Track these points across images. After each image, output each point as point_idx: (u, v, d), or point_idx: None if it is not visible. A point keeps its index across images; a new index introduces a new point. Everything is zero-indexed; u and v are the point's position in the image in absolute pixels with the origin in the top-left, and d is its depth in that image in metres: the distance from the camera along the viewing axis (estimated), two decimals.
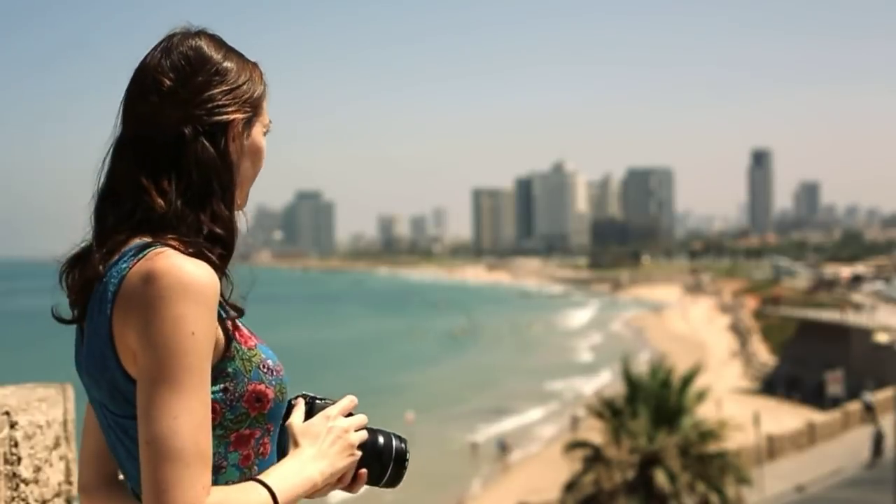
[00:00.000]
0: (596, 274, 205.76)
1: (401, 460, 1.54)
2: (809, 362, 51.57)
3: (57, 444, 2.41)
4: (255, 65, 1.51)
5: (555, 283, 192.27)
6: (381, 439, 1.53)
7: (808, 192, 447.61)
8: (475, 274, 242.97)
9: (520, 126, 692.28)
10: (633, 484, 22.03)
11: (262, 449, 1.41)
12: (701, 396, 24.38)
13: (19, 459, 2.23)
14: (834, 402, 40.88)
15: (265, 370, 1.40)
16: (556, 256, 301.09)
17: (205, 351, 1.29)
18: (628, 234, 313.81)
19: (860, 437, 34.26)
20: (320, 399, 1.54)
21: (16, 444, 2.22)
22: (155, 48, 1.46)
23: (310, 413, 1.50)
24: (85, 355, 1.39)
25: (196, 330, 1.28)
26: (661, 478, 21.52)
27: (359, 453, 1.49)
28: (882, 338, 49.23)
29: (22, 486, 2.23)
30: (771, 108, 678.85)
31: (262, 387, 1.39)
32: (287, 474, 1.39)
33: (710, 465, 22.46)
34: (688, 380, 24.26)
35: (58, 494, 2.41)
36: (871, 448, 31.64)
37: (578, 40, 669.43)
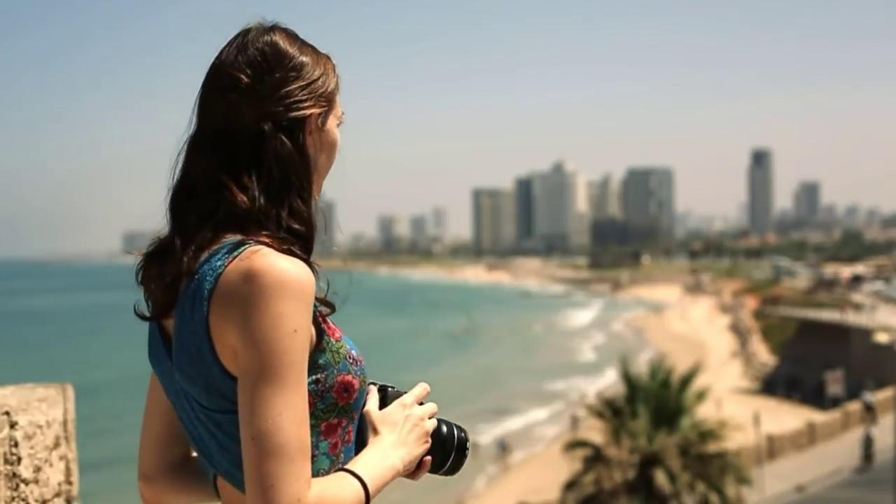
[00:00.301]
0: (596, 274, 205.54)
1: (462, 449, 1.60)
2: (809, 362, 51.56)
3: (57, 444, 2.41)
4: (327, 57, 1.53)
5: (555, 283, 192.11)
6: (444, 428, 1.59)
7: (808, 192, 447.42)
8: (475, 274, 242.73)
9: (520, 126, 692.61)
10: (633, 484, 22.03)
11: (347, 437, 1.46)
12: (701, 396, 24.38)
13: (19, 459, 2.22)
14: (834, 402, 40.87)
15: (351, 361, 1.45)
16: (556, 256, 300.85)
17: (304, 347, 1.32)
18: (628, 234, 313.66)
19: (860, 438, 34.25)
20: (391, 387, 1.58)
21: (16, 444, 2.21)
22: (230, 44, 1.47)
23: (383, 401, 1.54)
24: (176, 350, 1.40)
25: (297, 327, 1.30)
26: (661, 478, 21.52)
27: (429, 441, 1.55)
28: (882, 338, 49.23)
29: (22, 486, 2.23)
30: (771, 108, 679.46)
31: (350, 377, 1.44)
32: (373, 463, 1.44)
33: (710, 465, 22.46)
34: (687, 380, 24.26)
35: (58, 494, 2.40)
36: (861, 453, 31.08)
37: (578, 40, 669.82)
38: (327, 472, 1.42)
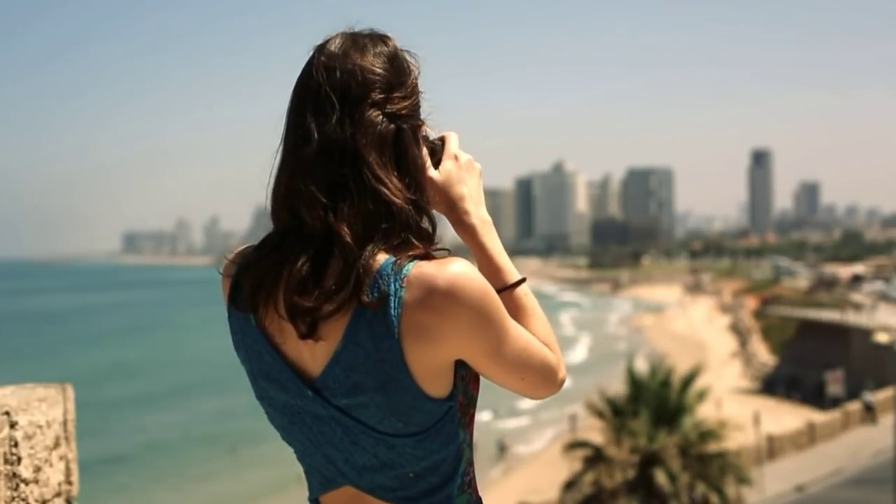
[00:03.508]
0: (596, 274, 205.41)
1: None
2: (809, 362, 51.55)
3: (57, 444, 2.40)
4: None
5: (555, 283, 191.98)
6: None
7: (808, 192, 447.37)
8: None
9: (520, 126, 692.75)
10: (633, 483, 22.05)
11: (474, 425, 1.52)
12: (701, 396, 24.39)
13: (19, 459, 2.22)
14: (834, 402, 40.88)
15: None
16: (556, 256, 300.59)
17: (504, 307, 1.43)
18: (628, 234, 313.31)
19: (860, 437, 34.25)
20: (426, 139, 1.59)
21: (16, 444, 2.21)
22: (355, 47, 1.46)
23: (432, 155, 1.57)
24: (338, 377, 1.38)
25: (497, 297, 1.40)
26: (661, 477, 21.53)
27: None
28: (882, 338, 49.18)
29: (22, 486, 2.23)
30: (771, 108, 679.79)
31: None
32: (499, 249, 1.58)
33: (710, 465, 22.48)
34: (688, 380, 24.27)
35: (58, 494, 2.40)
36: None
37: (578, 40, 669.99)
38: (468, 461, 1.49)
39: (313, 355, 1.39)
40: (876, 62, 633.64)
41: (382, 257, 1.36)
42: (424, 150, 1.52)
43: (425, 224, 1.45)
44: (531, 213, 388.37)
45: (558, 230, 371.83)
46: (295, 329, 1.37)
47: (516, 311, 1.49)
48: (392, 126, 1.43)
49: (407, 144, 1.44)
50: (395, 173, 1.41)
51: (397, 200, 1.39)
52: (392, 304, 1.33)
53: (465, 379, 1.44)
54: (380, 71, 1.43)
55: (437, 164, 1.56)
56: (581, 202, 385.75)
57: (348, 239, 1.35)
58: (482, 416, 44.66)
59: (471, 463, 1.50)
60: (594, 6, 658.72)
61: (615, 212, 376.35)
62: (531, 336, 1.47)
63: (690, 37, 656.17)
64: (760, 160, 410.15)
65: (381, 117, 1.41)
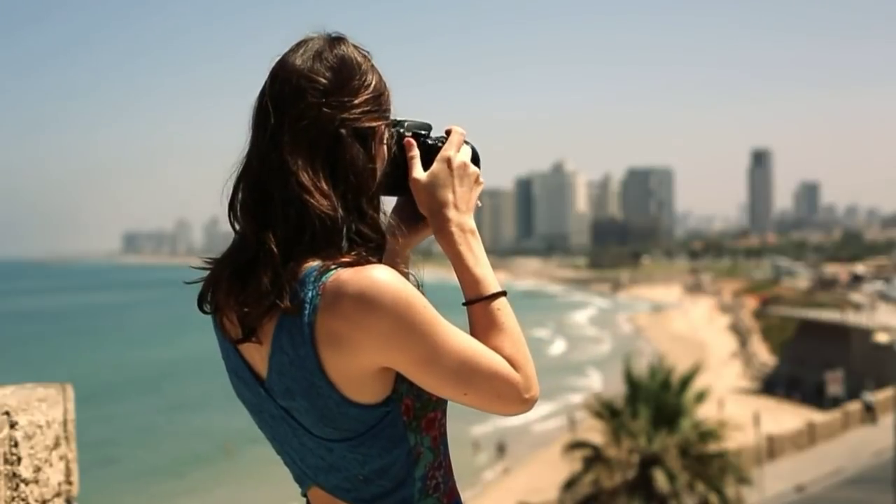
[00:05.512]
0: (596, 274, 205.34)
1: (477, 159, 1.61)
2: (809, 362, 51.59)
3: (57, 444, 2.41)
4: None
5: (556, 283, 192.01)
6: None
7: (808, 192, 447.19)
8: None
9: (520, 126, 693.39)
10: (633, 484, 22.05)
11: (443, 428, 1.49)
12: (701, 397, 24.39)
13: (19, 459, 2.22)
14: (834, 402, 40.92)
15: None
16: (556, 256, 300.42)
17: (432, 309, 1.38)
18: (628, 234, 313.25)
19: (860, 437, 34.25)
20: (425, 134, 1.56)
21: (16, 444, 2.21)
22: (296, 52, 1.46)
23: (426, 158, 1.54)
24: (274, 381, 1.40)
25: (418, 306, 1.36)
26: (660, 478, 21.53)
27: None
28: (882, 338, 49.23)
29: (22, 486, 2.23)
30: (771, 108, 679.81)
31: None
32: (482, 260, 1.51)
33: (710, 465, 22.48)
34: (688, 380, 24.27)
35: (58, 494, 2.40)
36: None
37: (578, 40, 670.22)
38: (432, 465, 1.46)
39: (261, 357, 1.42)
40: (876, 62, 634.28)
41: (310, 264, 1.37)
42: (382, 151, 1.48)
43: (365, 230, 1.42)
44: (531, 213, 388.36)
45: (558, 230, 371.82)
46: (241, 331, 1.41)
47: (487, 326, 1.46)
48: (327, 131, 1.41)
49: (345, 148, 1.42)
50: (327, 179, 1.40)
51: (320, 207, 1.37)
52: (307, 311, 1.34)
53: None
54: (315, 76, 1.42)
55: (429, 166, 1.54)
56: (581, 202, 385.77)
57: (272, 246, 1.37)
58: (483, 416, 44.78)
59: (439, 467, 1.48)
60: (594, 6, 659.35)
61: (615, 212, 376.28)
62: (483, 350, 1.41)
63: (690, 37, 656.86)
64: (760, 160, 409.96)
65: (311, 122, 1.41)
